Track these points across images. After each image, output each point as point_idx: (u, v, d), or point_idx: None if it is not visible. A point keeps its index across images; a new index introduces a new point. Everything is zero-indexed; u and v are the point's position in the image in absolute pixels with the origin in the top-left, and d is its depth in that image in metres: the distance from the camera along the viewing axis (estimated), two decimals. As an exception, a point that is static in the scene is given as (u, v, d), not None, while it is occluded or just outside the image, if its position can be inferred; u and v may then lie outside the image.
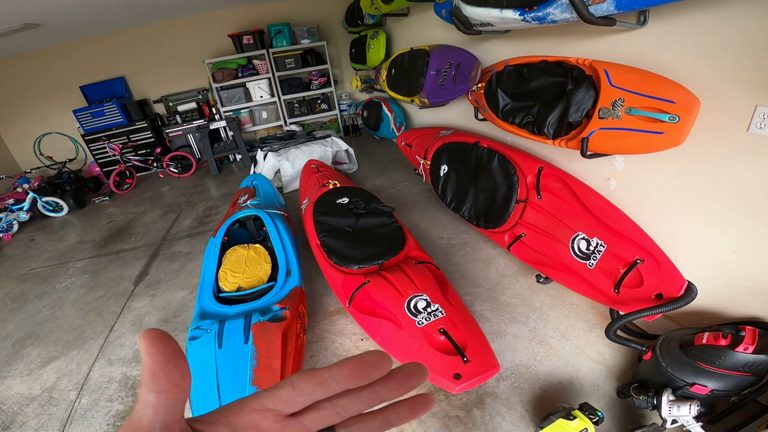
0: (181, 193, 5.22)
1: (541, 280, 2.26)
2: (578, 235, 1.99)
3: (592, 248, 1.91)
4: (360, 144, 5.90)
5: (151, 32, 5.86)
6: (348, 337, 2.21)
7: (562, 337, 2.03)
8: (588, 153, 1.82)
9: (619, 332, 1.76)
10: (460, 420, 1.72)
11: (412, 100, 3.43)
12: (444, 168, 3.03)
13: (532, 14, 1.76)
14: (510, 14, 1.87)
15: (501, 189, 2.48)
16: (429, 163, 3.21)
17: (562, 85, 1.91)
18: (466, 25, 2.32)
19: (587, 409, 1.50)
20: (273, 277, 2.25)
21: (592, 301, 2.15)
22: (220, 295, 2.16)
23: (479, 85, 2.56)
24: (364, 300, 1.94)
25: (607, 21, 1.60)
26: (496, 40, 2.65)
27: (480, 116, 2.75)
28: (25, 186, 4.95)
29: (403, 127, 4.70)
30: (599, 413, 1.49)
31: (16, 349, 2.71)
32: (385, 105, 5.09)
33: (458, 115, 3.43)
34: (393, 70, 3.86)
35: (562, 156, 2.31)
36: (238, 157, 6.13)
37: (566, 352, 1.95)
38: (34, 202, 4.94)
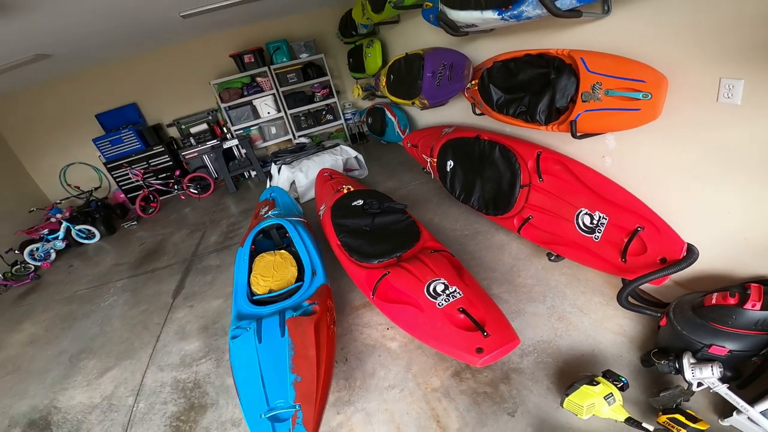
0: (203, 213, 5.46)
1: (553, 257, 2.38)
2: (581, 210, 2.12)
3: (595, 222, 2.04)
4: (368, 150, 6.06)
5: (156, 57, 6.10)
6: (374, 327, 2.37)
7: (580, 312, 2.12)
8: (578, 134, 1.96)
9: (632, 300, 1.86)
10: (488, 395, 1.82)
11: (413, 103, 3.57)
12: (450, 163, 3.18)
13: (509, 13, 1.92)
14: (490, 14, 2.03)
15: (505, 176, 2.62)
16: (435, 160, 3.36)
17: (546, 75, 2.07)
18: (453, 28, 2.46)
19: (611, 376, 1.56)
20: (300, 279, 2.43)
21: (605, 276, 2.27)
22: (254, 297, 2.35)
23: (473, 82, 2.70)
24: (386, 290, 2.09)
25: (574, 13, 1.77)
26: (483, 39, 2.80)
27: (477, 111, 2.91)
28: (58, 216, 5.25)
29: (407, 130, 4.84)
30: (623, 379, 1.55)
31: (73, 363, 2.92)
32: (388, 110, 5.24)
33: (458, 112, 3.57)
34: (392, 76, 4.03)
35: (558, 140, 2.44)
36: (253, 173, 6.36)
37: (586, 326, 2.03)
38: (68, 230, 5.24)
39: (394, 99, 4.12)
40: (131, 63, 6.04)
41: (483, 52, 2.79)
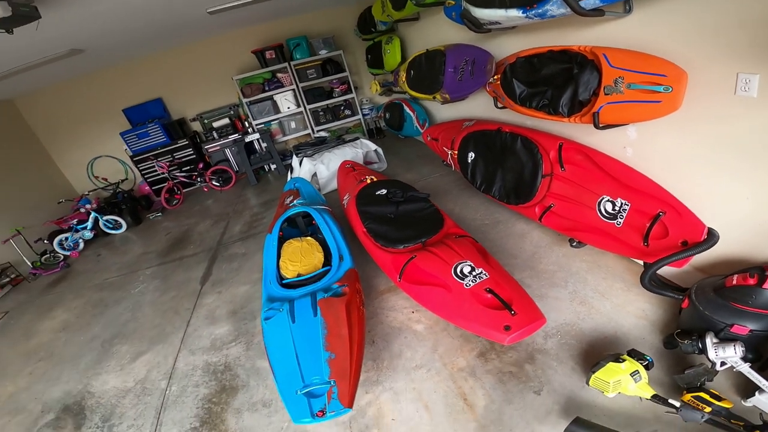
0: (226, 204, 5.61)
1: (575, 244, 2.43)
2: (603, 198, 2.17)
3: (617, 208, 2.09)
4: (386, 145, 6.10)
5: (181, 54, 6.29)
6: (400, 311, 2.45)
7: (602, 297, 2.16)
8: (600, 125, 2.03)
9: (653, 283, 1.90)
10: (514, 375, 1.88)
11: (434, 97, 3.65)
12: (471, 155, 3.24)
13: (533, 11, 2.00)
14: (514, 13, 2.11)
15: (527, 167, 2.67)
16: (456, 152, 3.42)
17: (569, 70, 2.14)
18: (476, 25, 2.54)
19: (635, 355, 1.60)
20: (326, 264, 2.53)
21: (626, 263, 2.32)
22: (283, 281, 2.45)
23: (495, 77, 2.77)
24: (413, 273, 2.17)
25: (597, 12, 1.84)
26: (505, 36, 2.87)
27: (499, 105, 2.97)
28: (87, 206, 5.45)
29: (426, 124, 4.91)
30: (648, 357, 1.60)
31: (105, 348, 2.99)
32: (406, 105, 5.29)
33: (478, 106, 3.63)
34: (412, 71, 4.11)
35: (579, 131, 2.48)
36: (273, 166, 6.51)
37: (608, 310, 2.08)
38: (96, 221, 5.43)
39: (414, 94, 4.20)
40: (157, 59, 6.23)
41: (504, 48, 2.85)
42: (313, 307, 2.02)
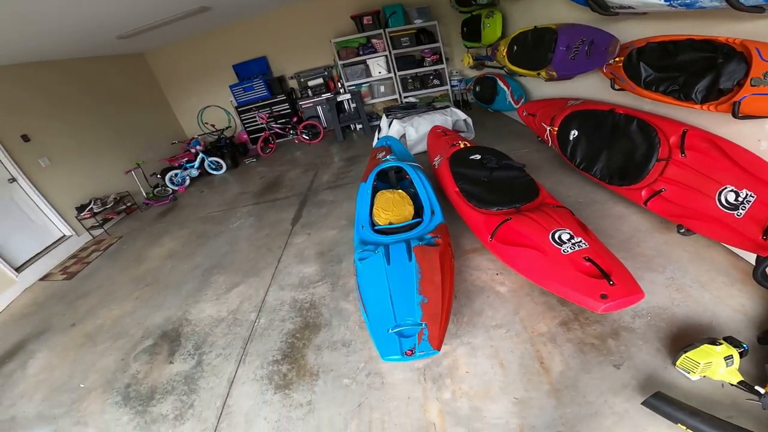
0: (314, 156, 5.98)
1: (682, 231, 2.30)
2: (726, 188, 2.04)
3: (740, 199, 1.97)
4: (473, 117, 5.99)
5: (286, 15, 6.67)
6: (484, 271, 2.49)
7: (701, 287, 2.04)
8: (739, 115, 1.94)
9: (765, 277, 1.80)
10: (595, 347, 1.86)
11: (538, 73, 3.66)
12: (574, 133, 3.15)
13: (680, 0, 1.93)
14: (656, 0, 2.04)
15: (640, 149, 2.56)
16: (557, 129, 3.34)
17: (711, 60, 2.09)
18: (602, 8, 2.56)
19: (732, 341, 1.54)
20: (416, 217, 2.62)
21: (733, 259, 2.16)
22: (375, 228, 2.60)
23: (617, 59, 2.71)
24: (506, 234, 2.20)
25: (756, 9, 1.73)
26: (631, 21, 2.76)
27: (617, 87, 2.88)
28: (197, 147, 6.12)
29: (523, 100, 4.79)
30: (744, 345, 1.52)
31: (205, 277, 3.28)
32: (501, 80, 5.18)
33: (586, 86, 3.52)
34: (515, 47, 4.11)
35: (707, 120, 2.32)
36: (359, 126, 6.81)
37: (705, 300, 1.97)
38: (202, 161, 6.10)
39: (514, 69, 4.20)
40: (266, 20, 6.68)
41: (629, 32, 2.75)
42: (408, 253, 2.13)
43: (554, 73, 3.43)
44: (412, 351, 1.68)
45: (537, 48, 3.62)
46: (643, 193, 2.49)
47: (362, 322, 2.33)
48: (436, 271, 1.99)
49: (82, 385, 2.46)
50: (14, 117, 4.46)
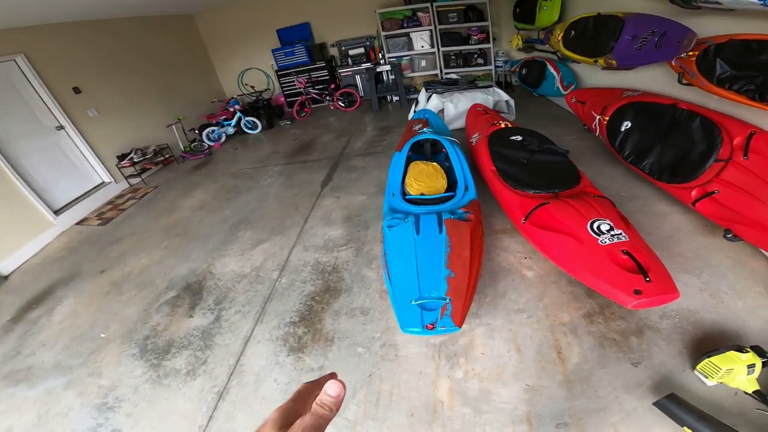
0: (348, 123, 5.96)
1: (729, 236, 2.17)
2: None
3: None
4: (515, 99, 5.85)
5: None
6: (512, 253, 2.43)
7: (736, 295, 1.94)
8: None
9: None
10: (616, 342, 1.80)
11: (595, 61, 3.57)
12: (627, 124, 3.01)
13: None
14: None
15: (699, 147, 2.42)
16: (607, 119, 3.19)
17: None
18: (685, 0, 2.46)
19: (758, 351, 1.49)
20: (448, 190, 2.57)
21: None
22: (406, 197, 2.56)
23: (690, 53, 2.56)
24: (542, 218, 2.13)
25: None
26: (713, 16, 2.58)
27: (684, 81, 2.73)
28: (236, 106, 6.21)
29: (573, 87, 4.58)
30: None
31: (232, 231, 3.30)
32: (551, 64, 4.97)
33: (645, 79, 3.36)
34: (573, 32, 4.03)
35: None
36: (395, 98, 6.71)
37: (738, 308, 1.88)
38: (239, 120, 6.18)
39: (569, 54, 4.11)
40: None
41: (706, 27, 2.60)
42: (438, 225, 2.09)
43: (614, 62, 3.30)
44: (433, 325, 1.65)
45: (598, 35, 3.52)
46: (694, 193, 2.35)
47: (383, 291, 2.32)
48: (466, 246, 1.95)
49: (102, 335, 2.48)
50: (68, 71, 4.63)
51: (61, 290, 3.08)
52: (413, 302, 1.73)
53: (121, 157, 5.00)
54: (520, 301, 2.10)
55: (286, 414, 0.42)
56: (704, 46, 2.47)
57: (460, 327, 1.65)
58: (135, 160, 4.99)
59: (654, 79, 3.20)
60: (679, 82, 2.75)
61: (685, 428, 1.36)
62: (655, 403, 1.46)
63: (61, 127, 4.55)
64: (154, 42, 6.04)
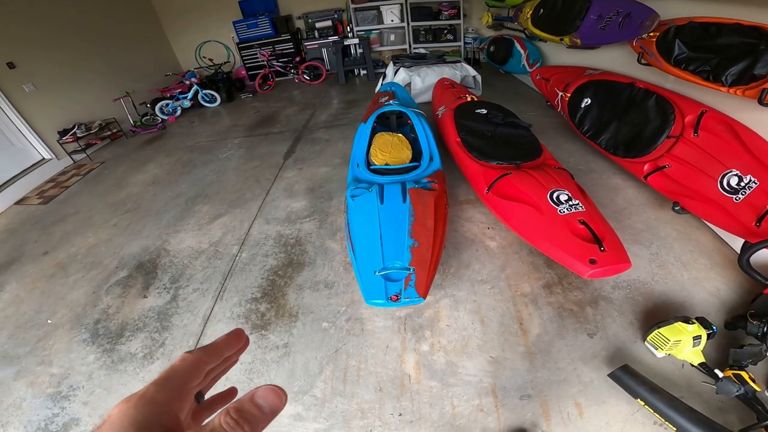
0: (313, 96, 5.78)
1: (677, 208, 2.28)
2: (730, 171, 2.02)
3: (743, 184, 1.95)
4: (482, 76, 5.90)
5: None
6: (476, 224, 2.45)
7: (682, 267, 2.05)
8: (765, 102, 1.91)
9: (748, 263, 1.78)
10: (573, 313, 1.86)
11: (561, 39, 3.62)
12: (586, 101, 3.08)
13: None
14: None
15: (653, 124, 2.51)
16: (569, 95, 3.25)
17: (753, 45, 2.04)
18: None
19: (703, 322, 1.56)
20: (413, 161, 2.54)
21: (719, 244, 2.18)
22: (371, 168, 2.51)
23: (651, 34, 2.63)
24: (504, 188, 2.14)
25: None
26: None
27: (643, 61, 2.81)
28: (193, 80, 5.86)
29: (538, 65, 4.64)
30: (714, 328, 1.56)
31: (188, 206, 3.12)
32: (518, 42, 5.01)
33: (607, 58, 3.47)
34: (541, 10, 4.07)
35: (729, 105, 2.27)
36: (363, 72, 6.58)
37: (684, 279, 1.97)
38: (195, 93, 5.85)
39: (536, 32, 4.16)
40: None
41: (669, 9, 2.67)
42: (402, 194, 2.05)
43: (578, 41, 3.35)
44: (397, 296, 1.61)
45: (565, 14, 3.58)
46: (646, 167, 2.44)
47: (347, 263, 2.28)
48: (430, 216, 1.93)
49: (49, 321, 2.30)
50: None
51: (2, 275, 2.80)
52: (377, 273, 1.69)
53: (63, 133, 4.61)
54: (484, 272, 2.12)
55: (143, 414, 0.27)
56: (665, 27, 2.53)
57: (424, 298, 1.63)
58: (78, 135, 4.62)
59: (615, 59, 3.28)
60: (639, 62, 2.83)
61: (639, 400, 1.41)
62: (609, 375, 1.50)
63: (-7, 103, 4.11)
64: (100, 12, 5.57)
